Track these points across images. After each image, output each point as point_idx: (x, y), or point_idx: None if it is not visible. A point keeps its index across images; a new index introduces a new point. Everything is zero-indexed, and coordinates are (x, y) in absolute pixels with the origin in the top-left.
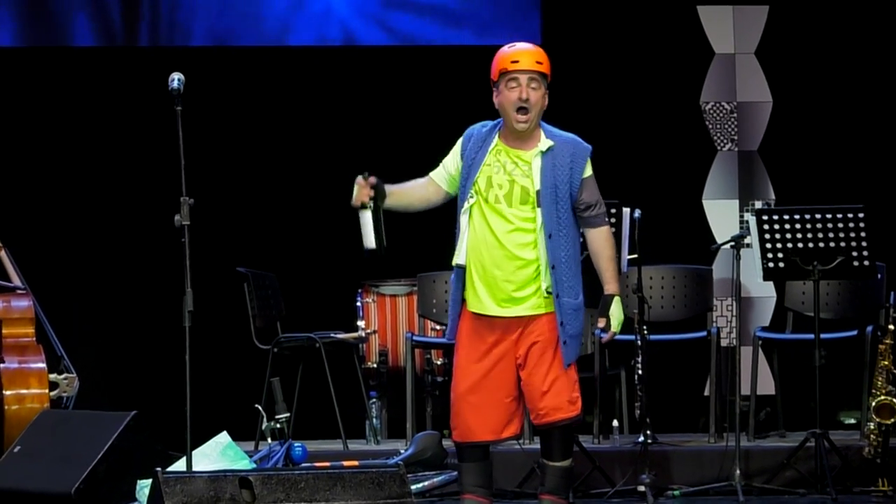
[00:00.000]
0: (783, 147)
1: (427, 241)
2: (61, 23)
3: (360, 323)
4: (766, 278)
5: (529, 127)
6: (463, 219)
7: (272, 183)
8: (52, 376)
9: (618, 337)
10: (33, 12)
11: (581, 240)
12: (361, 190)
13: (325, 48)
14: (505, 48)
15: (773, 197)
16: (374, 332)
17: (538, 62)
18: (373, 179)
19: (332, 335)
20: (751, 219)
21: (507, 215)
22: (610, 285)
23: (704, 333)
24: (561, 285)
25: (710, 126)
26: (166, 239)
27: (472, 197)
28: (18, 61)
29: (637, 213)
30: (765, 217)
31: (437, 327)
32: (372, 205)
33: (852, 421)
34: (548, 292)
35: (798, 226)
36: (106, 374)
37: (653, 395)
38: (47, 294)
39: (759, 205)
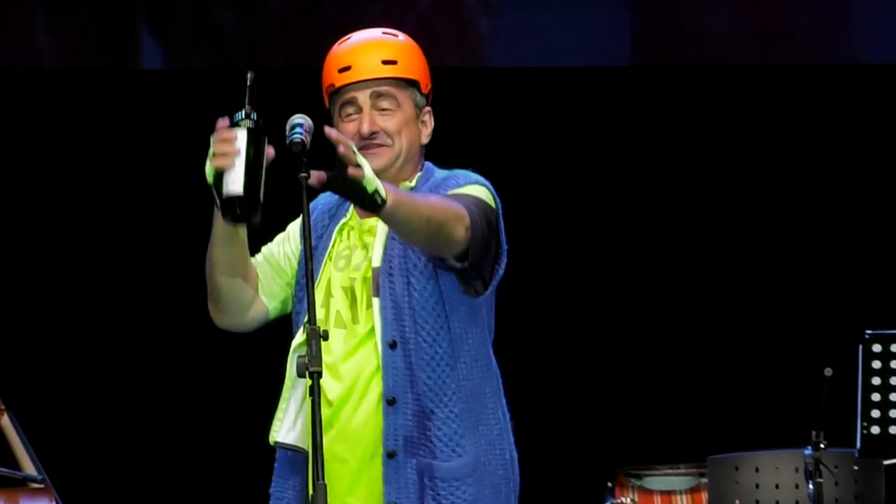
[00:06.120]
0: None
1: (723, 400)
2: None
3: None
4: None
5: (391, 167)
6: (294, 363)
7: None
8: None
9: None
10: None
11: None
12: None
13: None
14: (335, 45)
15: None
16: None
17: (386, 61)
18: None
19: None
20: None
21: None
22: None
23: None
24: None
25: None
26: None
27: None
28: None
29: None
30: None
31: None
32: (253, 126)
33: None
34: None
35: None
36: None
37: None
38: (74, 485)
39: None
